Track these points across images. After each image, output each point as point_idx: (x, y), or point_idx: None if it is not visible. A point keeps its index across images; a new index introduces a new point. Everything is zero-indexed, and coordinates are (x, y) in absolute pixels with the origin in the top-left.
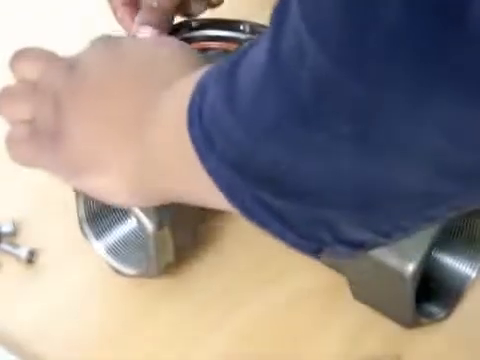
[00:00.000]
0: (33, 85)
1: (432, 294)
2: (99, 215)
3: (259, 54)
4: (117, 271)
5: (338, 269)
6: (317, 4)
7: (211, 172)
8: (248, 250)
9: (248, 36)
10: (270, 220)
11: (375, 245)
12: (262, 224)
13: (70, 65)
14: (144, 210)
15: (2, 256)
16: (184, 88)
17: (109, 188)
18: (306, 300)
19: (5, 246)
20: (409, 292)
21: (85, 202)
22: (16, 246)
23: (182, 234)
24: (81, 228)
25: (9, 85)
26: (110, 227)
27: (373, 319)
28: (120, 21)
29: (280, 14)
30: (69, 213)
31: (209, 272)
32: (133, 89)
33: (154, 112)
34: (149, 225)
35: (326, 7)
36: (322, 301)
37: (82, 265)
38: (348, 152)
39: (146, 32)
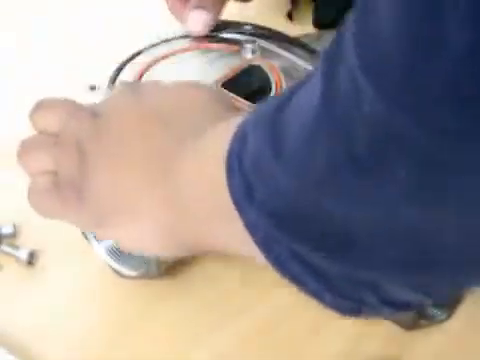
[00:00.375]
0: (55, 136)
1: None
2: None
3: (309, 97)
4: (117, 273)
5: None
6: (375, 48)
7: (248, 224)
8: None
9: (249, 38)
10: (306, 278)
11: (422, 306)
12: (297, 281)
13: (93, 114)
14: None
15: (2, 258)
16: (219, 136)
17: (137, 238)
18: (306, 302)
19: (5, 248)
20: None
21: None
22: (16, 248)
23: None
24: (81, 229)
25: (29, 137)
26: None
27: (373, 320)
28: (171, 9)
29: (333, 55)
30: None
31: (210, 274)
32: (159, 136)
33: (183, 160)
34: None
35: (385, 51)
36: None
37: (82, 267)
38: (406, 201)
39: (199, 16)
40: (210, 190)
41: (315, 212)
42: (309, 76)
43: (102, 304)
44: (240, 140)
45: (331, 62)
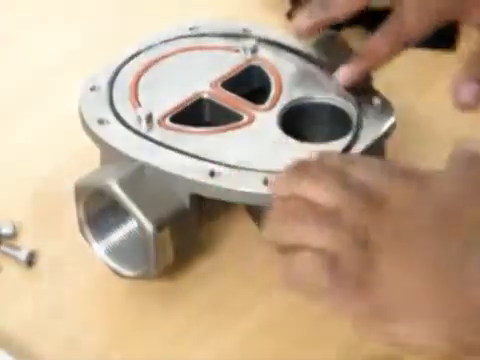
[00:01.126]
0: (323, 210)
1: None
2: (99, 217)
3: None
4: (117, 273)
5: None
6: None
7: None
8: (250, 253)
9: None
10: None
11: None
12: None
13: (369, 196)
14: (144, 212)
15: (2, 258)
16: None
17: (418, 335)
18: (306, 303)
19: (5, 248)
20: None
21: (85, 204)
22: (16, 248)
23: (182, 236)
24: (81, 230)
25: (294, 199)
26: (110, 229)
27: None
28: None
29: None
30: (69, 215)
31: (210, 275)
32: (456, 235)
33: (471, 261)
34: (149, 227)
35: None
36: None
37: (82, 267)
38: None
39: None
40: None
41: None
42: None
43: (102, 304)
44: None
45: None
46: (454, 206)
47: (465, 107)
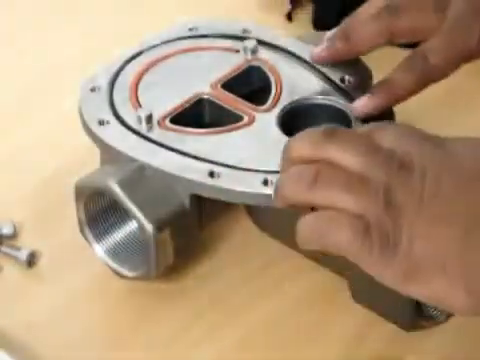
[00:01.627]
0: (345, 171)
1: None
2: (99, 217)
3: None
4: (117, 273)
5: (338, 272)
6: None
7: None
8: (250, 254)
9: (251, 41)
10: None
11: None
12: None
13: (399, 161)
14: (144, 212)
15: (2, 258)
16: None
17: (445, 297)
18: (306, 303)
19: (5, 248)
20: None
21: (85, 205)
22: (17, 248)
23: (182, 237)
24: (81, 230)
25: (317, 165)
26: (110, 229)
27: (374, 321)
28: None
29: None
30: (69, 215)
31: (210, 276)
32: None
33: None
34: (149, 227)
35: None
36: (322, 304)
37: (82, 268)
38: None
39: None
40: None
41: None
42: None
43: (102, 305)
44: None
45: None
46: None
47: (314, 58)
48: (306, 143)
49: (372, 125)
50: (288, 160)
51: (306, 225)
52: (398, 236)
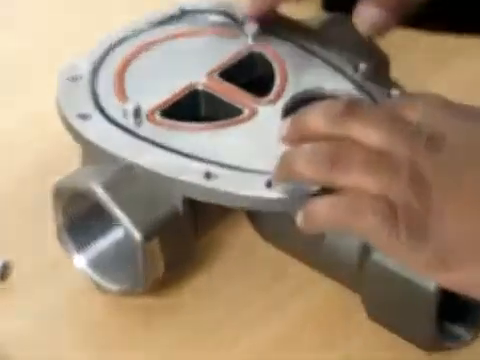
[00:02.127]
0: (369, 151)
1: (456, 313)
2: (80, 224)
3: None
4: (99, 287)
5: (351, 286)
6: None
7: None
8: (252, 266)
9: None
10: None
11: None
12: None
13: (426, 135)
14: (131, 218)
15: None
16: None
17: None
18: (316, 319)
19: None
20: (432, 310)
21: (64, 209)
22: None
23: (174, 246)
24: (59, 238)
25: (336, 143)
26: (93, 237)
27: (390, 341)
28: None
29: None
30: (48, 221)
31: (205, 292)
32: None
33: None
34: (137, 235)
35: None
36: (333, 321)
37: (60, 280)
38: None
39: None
40: None
41: None
42: None
43: (82, 323)
44: None
45: None
46: None
47: (363, 26)
48: (325, 118)
49: (399, 98)
50: (301, 134)
51: (322, 207)
52: (427, 218)
